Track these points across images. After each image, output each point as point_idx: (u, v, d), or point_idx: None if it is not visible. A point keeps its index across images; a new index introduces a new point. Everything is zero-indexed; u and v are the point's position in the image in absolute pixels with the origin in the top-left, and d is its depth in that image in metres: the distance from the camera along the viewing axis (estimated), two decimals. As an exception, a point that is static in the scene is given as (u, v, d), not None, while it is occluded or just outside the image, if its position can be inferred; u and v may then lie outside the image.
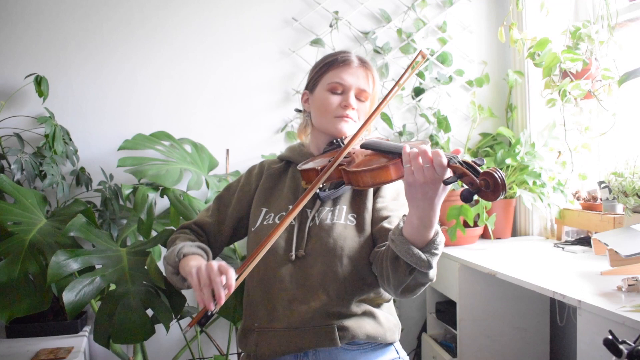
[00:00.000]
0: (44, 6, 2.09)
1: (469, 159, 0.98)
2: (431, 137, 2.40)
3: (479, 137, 2.48)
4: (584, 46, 2.06)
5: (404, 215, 1.10)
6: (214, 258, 1.31)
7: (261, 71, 2.29)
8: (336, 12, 2.30)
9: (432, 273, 1.09)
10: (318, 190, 1.23)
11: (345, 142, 1.28)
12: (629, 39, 2.05)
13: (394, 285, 1.12)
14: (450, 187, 1.00)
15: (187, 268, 1.15)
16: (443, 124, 2.37)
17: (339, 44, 2.32)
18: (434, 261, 1.06)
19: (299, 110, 1.44)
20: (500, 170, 0.91)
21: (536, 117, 2.32)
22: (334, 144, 1.30)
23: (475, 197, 0.95)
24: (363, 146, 1.23)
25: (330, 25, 2.31)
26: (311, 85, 1.35)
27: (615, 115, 2.01)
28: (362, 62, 1.32)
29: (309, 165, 1.24)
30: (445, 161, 0.97)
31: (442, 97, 2.44)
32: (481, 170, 0.95)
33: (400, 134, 2.39)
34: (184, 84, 2.23)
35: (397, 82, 1.22)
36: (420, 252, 1.04)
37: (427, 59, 1.24)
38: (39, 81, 1.94)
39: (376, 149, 1.19)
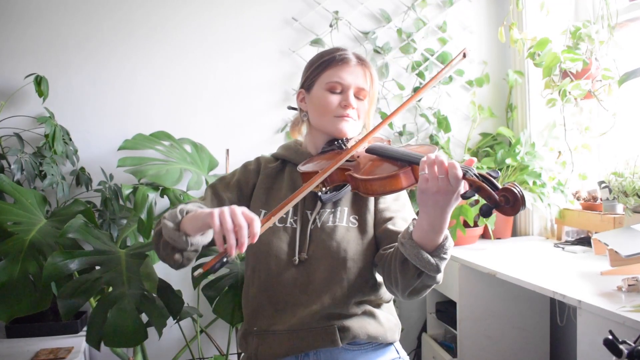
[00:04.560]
0: (44, 6, 2.09)
1: (484, 171, 0.97)
2: (431, 137, 2.40)
3: (479, 137, 2.48)
4: (584, 46, 2.06)
5: (414, 219, 1.10)
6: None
7: (261, 71, 2.29)
8: (336, 12, 2.30)
9: (440, 276, 1.09)
10: (320, 193, 1.21)
11: (349, 144, 1.27)
12: (629, 39, 2.05)
13: (401, 288, 1.12)
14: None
15: (200, 214, 1.06)
16: (443, 124, 2.37)
17: (339, 44, 2.32)
18: (443, 265, 1.06)
19: (293, 108, 1.40)
20: (518, 185, 0.91)
21: (536, 117, 2.32)
22: (335, 145, 1.28)
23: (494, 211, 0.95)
24: (369, 151, 1.21)
25: (330, 25, 2.31)
26: (307, 84, 1.31)
27: (615, 115, 2.01)
28: (360, 60, 1.29)
29: (311, 167, 1.22)
30: (460, 174, 0.96)
31: (442, 97, 2.44)
32: (497, 183, 0.94)
33: (400, 134, 2.39)
34: (184, 84, 2.23)
35: (433, 77, 1.22)
36: (430, 256, 1.04)
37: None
38: (39, 81, 1.94)
39: (384, 156, 1.16)
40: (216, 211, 0.99)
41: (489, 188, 0.94)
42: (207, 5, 2.23)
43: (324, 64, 1.28)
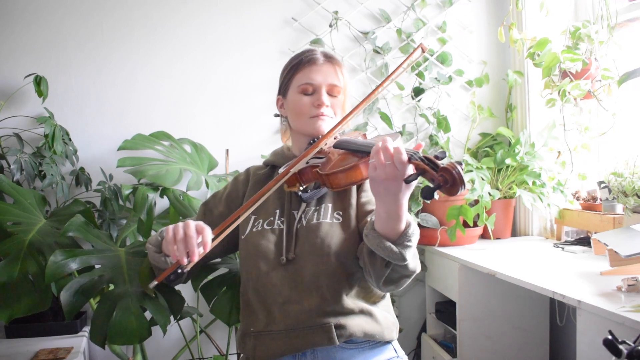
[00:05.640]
0: (44, 6, 2.09)
1: (430, 154, 0.97)
2: (431, 137, 2.40)
3: (478, 137, 2.48)
4: (584, 46, 2.06)
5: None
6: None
7: (261, 71, 2.29)
8: (336, 12, 2.30)
9: (412, 264, 1.10)
10: (300, 192, 1.23)
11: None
12: (629, 39, 2.06)
13: (374, 278, 1.13)
14: (414, 183, 0.98)
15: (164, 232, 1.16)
16: (443, 124, 2.37)
17: (339, 44, 2.32)
18: (408, 253, 1.06)
19: (277, 115, 1.44)
20: (459, 165, 0.90)
21: (536, 117, 2.32)
22: (313, 144, 1.29)
23: (436, 193, 0.95)
24: (336, 146, 1.23)
25: (330, 25, 2.31)
26: (283, 90, 1.36)
27: (615, 115, 2.01)
28: (328, 58, 1.32)
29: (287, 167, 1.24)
30: (405, 158, 0.97)
31: (441, 97, 2.44)
32: (440, 163, 0.94)
33: (400, 134, 2.39)
34: (184, 84, 2.23)
35: (388, 76, 1.23)
36: (393, 245, 1.05)
37: (425, 54, 1.23)
38: (39, 81, 1.94)
39: (347, 149, 1.19)
40: (171, 225, 1.09)
41: (431, 170, 0.94)
42: (207, 5, 2.23)
43: (293, 68, 1.32)
